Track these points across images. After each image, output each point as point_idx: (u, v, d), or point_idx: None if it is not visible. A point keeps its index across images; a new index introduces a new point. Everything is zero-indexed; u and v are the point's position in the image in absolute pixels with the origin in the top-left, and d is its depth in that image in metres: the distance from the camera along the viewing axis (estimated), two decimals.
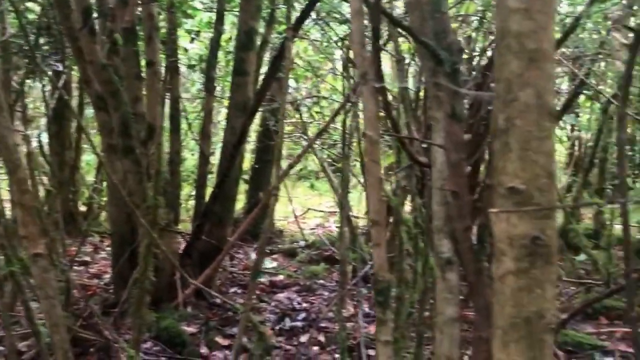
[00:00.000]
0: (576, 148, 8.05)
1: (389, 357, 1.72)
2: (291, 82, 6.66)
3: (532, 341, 1.28)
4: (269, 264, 5.62)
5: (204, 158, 4.75)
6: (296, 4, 4.83)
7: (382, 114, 2.21)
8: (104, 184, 5.84)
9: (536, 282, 1.28)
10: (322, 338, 4.15)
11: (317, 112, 6.32)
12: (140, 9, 3.84)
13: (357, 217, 5.82)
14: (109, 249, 5.16)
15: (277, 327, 4.29)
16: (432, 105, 1.66)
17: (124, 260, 4.00)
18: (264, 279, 5.14)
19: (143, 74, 3.90)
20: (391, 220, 4.66)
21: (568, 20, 5.05)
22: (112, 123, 3.64)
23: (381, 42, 3.35)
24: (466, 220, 1.62)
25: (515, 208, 1.26)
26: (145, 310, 3.35)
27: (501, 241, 1.30)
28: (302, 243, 6.18)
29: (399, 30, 2.58)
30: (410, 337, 3.14)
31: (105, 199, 5.63)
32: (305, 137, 5.46)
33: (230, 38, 5.78)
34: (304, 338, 4.15)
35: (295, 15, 3.67)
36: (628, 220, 2.05)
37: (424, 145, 2.19)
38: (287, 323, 4.38)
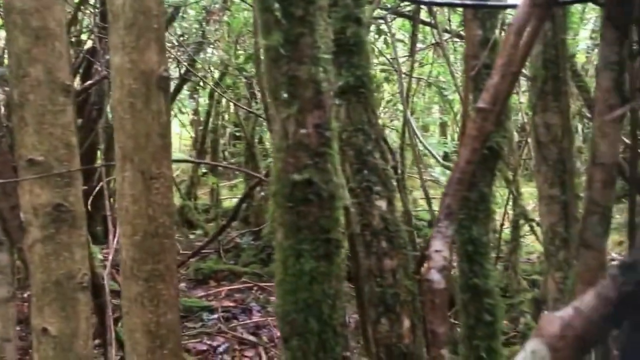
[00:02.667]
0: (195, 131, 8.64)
1: None
2: None
3: (64, 301, 1.38)
4: None
5: None
6: None
7: None
8: None
9: (63, 246, 1.37)
10: None
11: None
12: None
13: None
14: None
15: None
16: None
17: None
18: None
19: None
20: None
21: (170, 10, 5.38)
22: None
23: None
24: (12, 199, 1.62)
25: (36, 180, 1.32)
26: None
27: (27, 212, 1.35)
28: None
29: None
30: None
31: None
32: None
33: None
34: None
35: None
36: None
37: None
38: None
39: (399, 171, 3.93)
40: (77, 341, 1.36)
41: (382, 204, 1.65)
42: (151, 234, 1.06)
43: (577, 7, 4.93)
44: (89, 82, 3.54)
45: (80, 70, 5.17)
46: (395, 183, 1.81)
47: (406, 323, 1.60)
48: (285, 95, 1.11)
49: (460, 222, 1.71)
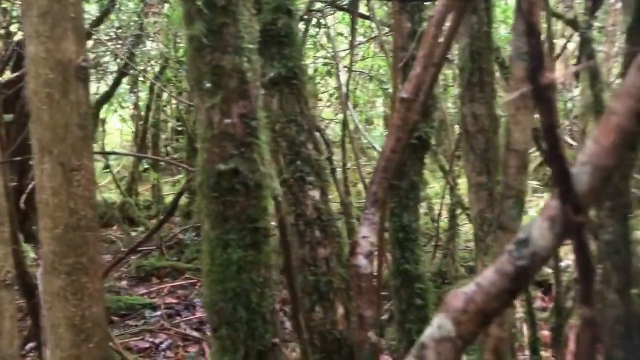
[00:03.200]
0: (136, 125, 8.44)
1: None
2: None
3: None
4: None
5: None
6: None
7: None
8: None
9: None
10: None
11: None
12: None
13: None
14: None
15: None
16: None
17: None
18: None
19: None
20: None
21: (105, 2, 5.24)
22: None
23: None
24: None
25: None
26: None
27: None
28: None
29: None
30: None
31: None
32: None
33: None
34: None
35: None
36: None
37: None
38: None
39: (341, 162, 3.98)
40: (1, 340, 1.32)
41: (316, 193, 1.67)
42: (72, 226, 1.04)
43: (512, 1, 5.11)
44: (15, 74, 3.40)
45: (11, 63, 4.97)
46: (330, 173, 1.84)
47: (340, 310, 1.63)
48: (209, 85, 1.11)
49: (392, 210, 1.76)
